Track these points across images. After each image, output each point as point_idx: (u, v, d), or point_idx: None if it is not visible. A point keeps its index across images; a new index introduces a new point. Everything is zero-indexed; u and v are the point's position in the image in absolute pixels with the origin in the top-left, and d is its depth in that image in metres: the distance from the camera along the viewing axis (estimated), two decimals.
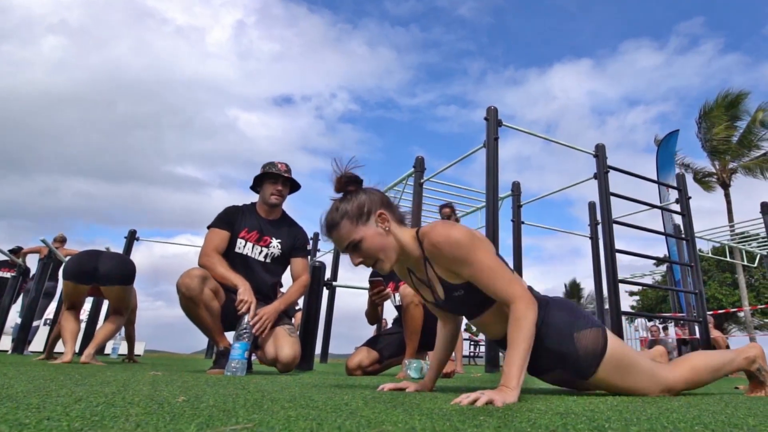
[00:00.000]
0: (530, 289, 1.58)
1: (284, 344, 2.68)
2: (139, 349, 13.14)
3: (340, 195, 1.55)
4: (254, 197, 3.15)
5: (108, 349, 5.90)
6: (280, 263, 3.05)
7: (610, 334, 1.59)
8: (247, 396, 1.21)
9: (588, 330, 1.55)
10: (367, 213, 1.49)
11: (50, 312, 7.92)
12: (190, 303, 2.59)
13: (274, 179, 2.99)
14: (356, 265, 1.51)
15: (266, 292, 2.95)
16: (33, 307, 6.60)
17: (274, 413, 0.91)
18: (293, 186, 3.12)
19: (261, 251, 2.96)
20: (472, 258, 1.41)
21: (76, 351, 3.66)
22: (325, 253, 10.49)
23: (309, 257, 3.20)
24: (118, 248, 7.83)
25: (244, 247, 2.94)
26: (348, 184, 1.54)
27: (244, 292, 2.61)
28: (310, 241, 8.92)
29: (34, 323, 7.14)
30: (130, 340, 4.79)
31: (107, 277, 3.52)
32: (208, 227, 2.96)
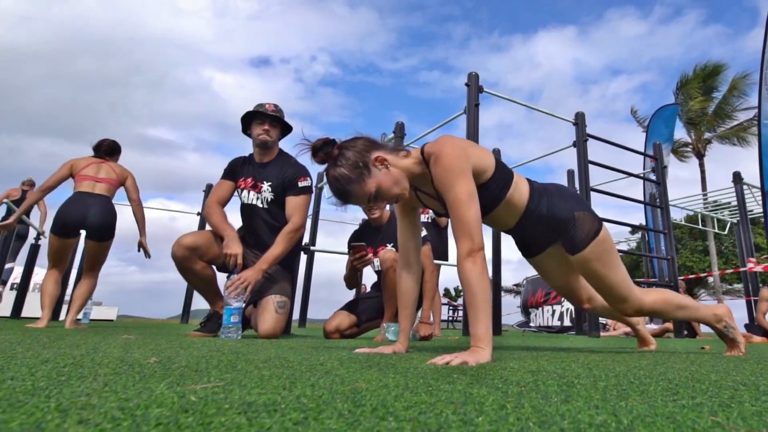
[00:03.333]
0: (530, 181, 1.73)
1: (267, 319, 2.65)
2: (111, 314, 12.81)
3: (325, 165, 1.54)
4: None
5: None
6: (281, 206, 2.87)
7: (605, 228, 1.73)
8: (221, 357, 1.20)
9: (588, 213, 1.72)
10: (365, 165, 1.49)
11: (23, 252, 7.86)
12: (180, 269, 2.69)
13: (261, 119, 2.88)
14: (383, 207, 1.57)
15: (272, 240, 2.76)
16: (6, 245, 6.65)
17: (248, 373, 0.91)
18: (285, 129, 3.00)
19: (257, 197, 2.89)
20: (450, 188, 1.44)
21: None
22: None
23: (308, 195, 2.92)
24: None
25: (241, 194, 2.93)
26: (326, 150, 1.52)
27: (227, 244, 2.61)
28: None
29: (9, 265, 7.15)
30: (140, 218, 4.42)
31: (95, 228, 3.58)
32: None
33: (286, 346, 1.84)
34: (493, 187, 1.60)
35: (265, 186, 2.88)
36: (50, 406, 0.57)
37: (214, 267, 2.79)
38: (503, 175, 1.62)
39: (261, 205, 2.88)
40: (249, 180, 2.92)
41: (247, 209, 2.91)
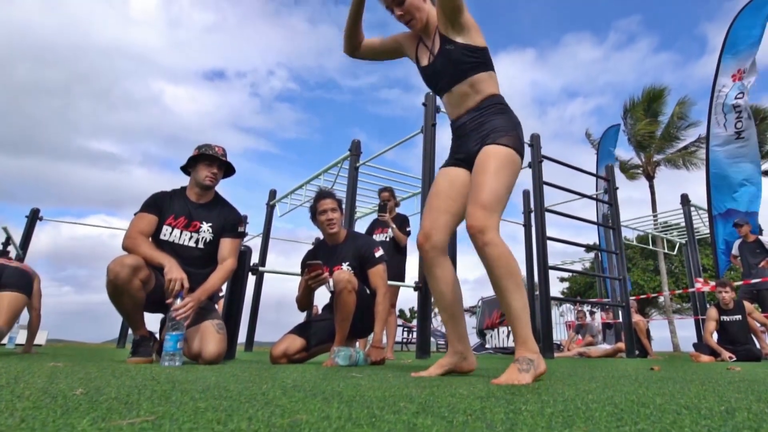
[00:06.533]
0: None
1: (210, 340, 2.54)
2: (40, 338, 11.53)
3: None
4: (184, 180, 2.95)
5: (4, 339, 5.35)
6: (215, 248, 2.87)
7: (518, 156, 1.84)
8: (155, 387, 1.13)
9: (519, 136, 1.87)
10: None
11: None
12: (115, 291, 2.46)
13: (210, 161, 2.85)
14: (398, 16, 1.93)
15: (201, 281, 2.72)
16: None
17: (182, 405, 0.86)
18: (228, 171, 2.99)
19: (191, 237, 2.79)
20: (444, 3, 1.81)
21: None
22: (253, 237, 10.08)
23: (242, 239, 3.01)
24: (18, 229, 7.95)
25: (171, 234, 2.77)
26: None
27: (170, 269, 2.47)
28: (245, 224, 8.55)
29: None
30: (32, 328, 4.41)
31: (6, 284, 3.55)
32: (135, 214, 2.78)
33: (229, 373, 1.76)
34: (481, 56, 1.89)
35: (205, 226, 2.85)
36: None
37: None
38: (489, 58, 1.93)
39: (192, 245, 2.80)
40: (182, 219, 2.82)
41: (168, 248, 2.75)
